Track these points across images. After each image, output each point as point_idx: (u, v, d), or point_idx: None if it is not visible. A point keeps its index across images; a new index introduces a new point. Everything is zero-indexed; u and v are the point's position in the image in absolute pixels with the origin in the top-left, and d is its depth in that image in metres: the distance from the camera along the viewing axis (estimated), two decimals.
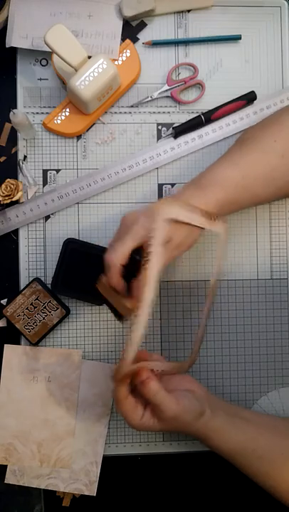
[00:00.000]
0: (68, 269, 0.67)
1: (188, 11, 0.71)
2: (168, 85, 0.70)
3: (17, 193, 0.67)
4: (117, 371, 0.55)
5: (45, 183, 0.69)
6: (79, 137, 0.70)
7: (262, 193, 0.61)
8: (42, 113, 0.70)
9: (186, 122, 0.70)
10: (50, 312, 0.67)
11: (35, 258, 0.69)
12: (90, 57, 0.63)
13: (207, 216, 0.57)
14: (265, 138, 0.60)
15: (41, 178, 0.69)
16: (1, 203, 0.67)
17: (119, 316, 0.58)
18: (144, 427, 0.57)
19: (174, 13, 0.71)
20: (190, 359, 0.62)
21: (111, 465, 0.69)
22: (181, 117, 0.71)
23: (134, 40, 0.70)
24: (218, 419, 0.59)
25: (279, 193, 0.62)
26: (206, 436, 0.59)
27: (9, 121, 0.68)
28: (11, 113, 0.63)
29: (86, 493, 0.68)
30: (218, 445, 0.59)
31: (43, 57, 0.69)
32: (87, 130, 0.70)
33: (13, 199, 0.67)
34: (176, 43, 0.71)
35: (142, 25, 0.71)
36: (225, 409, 0.62)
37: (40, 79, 0.70)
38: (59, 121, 0.69)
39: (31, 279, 0.68)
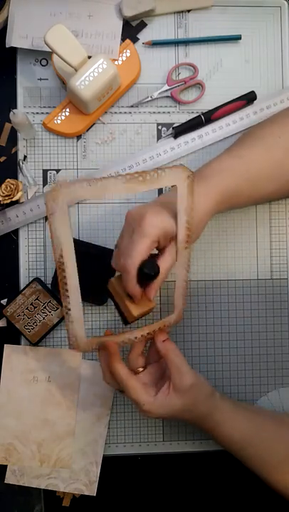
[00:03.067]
0: None
1: (188, 11, 0.71)
2: (168, 85, 0.70)
3: (17, 193, 0.67)
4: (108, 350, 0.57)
5: (45, 183, 0.69)
6: (79, 137, 0.70)
7: (266, 188, 0.61)
8: (42, 113, 0.70)
9: (186, 122, 0.70)
10: (50, 312, 0.67)
11: (35, 258, 0.69)
12: (90, 57, 0.63)
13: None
14: (269, 135, 0.61)
15: (41, 178, 0.69)
16: (1, 203, 0.67)
17: (124, 320, 0.58)
18: (158, 407, 0.57)
19: (174, 13, 0.71)
20: (176, 312, 0.60)
21: (111, 465, 0.69)
22: (181, 117, 0.71)
23: (134, 40, 0.70)
24: (227, 405, 0.60)
25: (283, 189, 0.62)
26: (216, 422, 0.59)
27: (9, 121, 0.68)
28: (11, 113, 0.63)
29: (86, 493, 0.68)
30: (229, 432, 0.59)
31: (43, 57, 0.69)
32: (87, 130, 0.70)
33: (13, 199, 0.67)
34: (176, 43, 0.71)
35: (142, 25, 0.71)
36: (230, 399, 0.62)
37: (40, 79, 0.70)
38: (59, 121, 0.69)
39: (31, 279, 0.68)
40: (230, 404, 0.60)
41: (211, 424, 0.59)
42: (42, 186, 0.69)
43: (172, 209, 0.54)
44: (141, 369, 0.60)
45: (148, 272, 0.52)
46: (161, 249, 0.55)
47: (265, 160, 0.59)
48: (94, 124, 0.70)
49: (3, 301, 0.69)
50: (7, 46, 0.67)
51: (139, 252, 0.52)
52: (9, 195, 0.66)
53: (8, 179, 0.67)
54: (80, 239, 0.69)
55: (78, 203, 0.69)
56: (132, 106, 0.70)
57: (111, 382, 0.59)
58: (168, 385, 0.57)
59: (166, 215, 0.54)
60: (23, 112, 0.68)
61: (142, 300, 0.56)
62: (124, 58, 0.69)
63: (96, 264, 0.67)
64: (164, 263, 0.54)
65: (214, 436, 0.61)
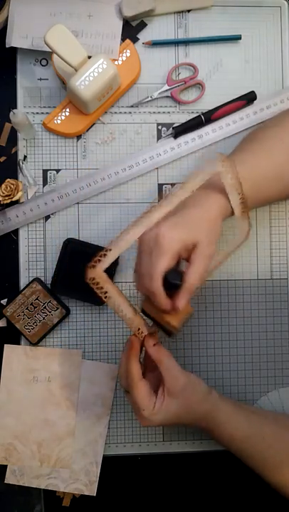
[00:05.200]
0: (68, 269, 0.67)
1: (188, 11, 0.71)
2: (168, 85, 0.70)
3: (17, 193, 0.67)
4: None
5: (45, 183, 0.69)
6: (79, 137, 0.70)
7: (269, 191, 0.61)
8: (42, 113, 0.70)
9: (186, 122, 0.70)
10: (50, 312, 0.67)
11: (35, 258, 0.69)
12: (90, 57, 0.63)
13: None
14: (271, 138, 0.60)
15: (41, 178, 0.69)
16: (1, 203, 0.67)
17: (167, 332, 0.57)
18: (155, 414, 0.57)
19: (174, 13, 0.71)
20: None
21: (111, 465, 0.69)
22: (181, 117, 0.71)
23: (134, 40, 0.70)
24: (227, 405, 0.60)
25: (286, 192, 0.62)
26: (216, 422, 0.59)
27: (9, 121, 0.68)
28: (11, 113, 0.63)
29: (86, 493, 0.68)
30: (229, 433, 0.59)
31: (43, 57, 0.69)
32: (87, 130, 0.70)
33: (13, 199, 0.67)
34: (176, 43, 0.71)
35: (142, 25, 0.71)
36: (230, 400, 0.62)
37: (40, 79, 0.70)
38: (59, 121, 0.69)
39: (31, 279, 0.68)
40: (230, 405, 0.60)
41: (211, 425, 0.59)
42: (42, 186, 0.69)
43: (186, 216, 0.54)
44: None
45: (172, 281, 0.52)
46: (187, 259, 0.54)
47: (268, 164, 0.59)
48: (94, 124, 0.70)
49: (3, 301, 0.69)
50: (7, 46, 0.67)
51: (161, 270, 0.51)
52: (9, 195, 0.67)
53: (8, 179, 0.67)
54: (80, 239, 0.69)
55: (78, 203, 0.69)
56: (132, 106, 0.70)
57: (123, 379, 0.59)
58: (162, 390, 0.57)
59: (182, 226, 0.53)
60: (23, 112, 0.68)
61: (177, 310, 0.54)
62: (124, 58, 0.69)
63: None
64: (192, 270, 0.53)
65: (215, 437, 0.61)
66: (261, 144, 0.60)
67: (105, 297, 0.55)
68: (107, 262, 0.54)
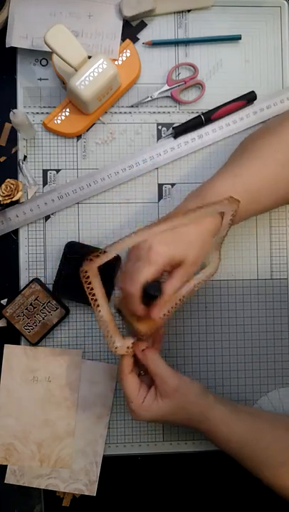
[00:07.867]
0: (69, 274, 0.67)
1: (188, 11, 0.71)
2: (168, 85, 0.70)
3: (17, 193, 0.67)
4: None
5: (45, 183, 0.69)
6: (79, 137, 0.70)
7: (264, 203, 0.61)
8: (42, 113, 0.70)
9: (186, 122, 0.70)
10: (49, 312, 0.67)
11: (35, 258, 0.69)
12: (90, 57, 0.63)
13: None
14: (266, 149, 0.60)
15: (41, 178, 0.69)
16: (1, 203, 0.67)
17: (133, 333, 0.59)
18: (146, 410, 0.58)
19: (174, 13, 0.71)
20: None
21: (111, 465, 0.69)
22: (181, 117, 0.71)
23: (134, 40, 0.70)
24: (223, 407, 0.60)
25: (281, 201, 0.62)
26: (212, 424, 0.59)
27: (9, 121, 0.68)
28: (11, 113, 0.63)
29: (86, 493, 0.68)
30: (226, 435, 0.59)
31: (43, 57, 0.69)
32: (87, 130, 0.70)
33: (13, 199, 0.67)
34: (176, 43, 0.71)
35: (142, 25, 0.71)
36: (227, 401, 0.63)
37: (40, 79, 0.70)
38: (59, 121, 0.69)
39: (31, 279, 0.68)
40: (226, 407, 0.60)
41: (206, 426, 0.60)
42: (42, 186, 0.69)
43: (182, 233, 0.55)
44: (142, 372, 0.61)
45: (151, 292, 0.53)
46: (170, 272, 0.55)
47: (263, 176, 0.59)
48: (94, 124, 0.70)
49: (3, 301, 0.69)
50: (7, 46, 0.67)
51: (143, 278, 0.53)
52: (9, 195, 0.67)
53: (8, 179, 0.67)
54: (80, 240, 0.69)
55: (78, 203, 0.69)
56: (132, 106, 0.70)
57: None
58: (154, 389, 0.59)
59: (173, 243, 0.54)
60: (23, 111, 0.68)
61: (149, 318, 0.56)
62: (124, 58, 0.69)
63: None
64: (170, 285, 0.54)
65: (211, 439, 0.61)
66: (255, 156, 0.60)
67: (90, 292, 0.56)
68: (102, 260, 0.56)
